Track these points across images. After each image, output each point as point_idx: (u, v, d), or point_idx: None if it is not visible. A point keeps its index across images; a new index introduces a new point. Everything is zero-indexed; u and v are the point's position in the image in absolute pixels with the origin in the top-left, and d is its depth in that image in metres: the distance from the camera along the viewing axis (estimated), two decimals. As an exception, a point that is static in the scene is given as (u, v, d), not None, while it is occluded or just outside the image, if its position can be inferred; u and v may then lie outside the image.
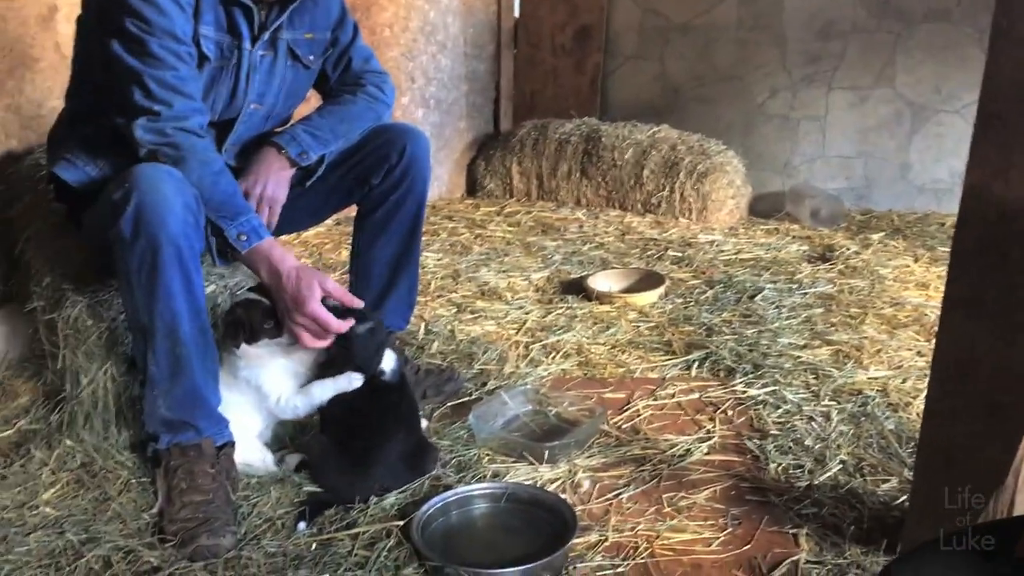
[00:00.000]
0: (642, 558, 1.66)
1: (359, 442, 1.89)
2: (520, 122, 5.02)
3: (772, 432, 2.13)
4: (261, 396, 1.95)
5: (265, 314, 1.85)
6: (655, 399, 2.33)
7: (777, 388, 2.36)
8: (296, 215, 2.16)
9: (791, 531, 1.73)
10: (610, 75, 5.14)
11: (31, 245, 2.38)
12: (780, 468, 1.97)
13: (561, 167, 4.63)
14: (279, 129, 2.15)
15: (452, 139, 4.89)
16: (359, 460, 1.87)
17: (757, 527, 1.76)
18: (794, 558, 1.64)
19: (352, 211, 2.31)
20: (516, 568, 1.56)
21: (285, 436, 2.09)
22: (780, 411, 2.24)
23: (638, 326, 2.87)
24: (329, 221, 2.71)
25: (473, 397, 2.33)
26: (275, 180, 2.01)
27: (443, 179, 4.85)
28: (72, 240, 2.22)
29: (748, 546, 1.70)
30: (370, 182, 2.17)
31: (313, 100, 2.24)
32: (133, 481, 1.91)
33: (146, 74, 1.77)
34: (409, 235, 2.23)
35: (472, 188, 4.99)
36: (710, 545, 1.70)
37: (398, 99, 3.36)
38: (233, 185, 1.86)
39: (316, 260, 3.53)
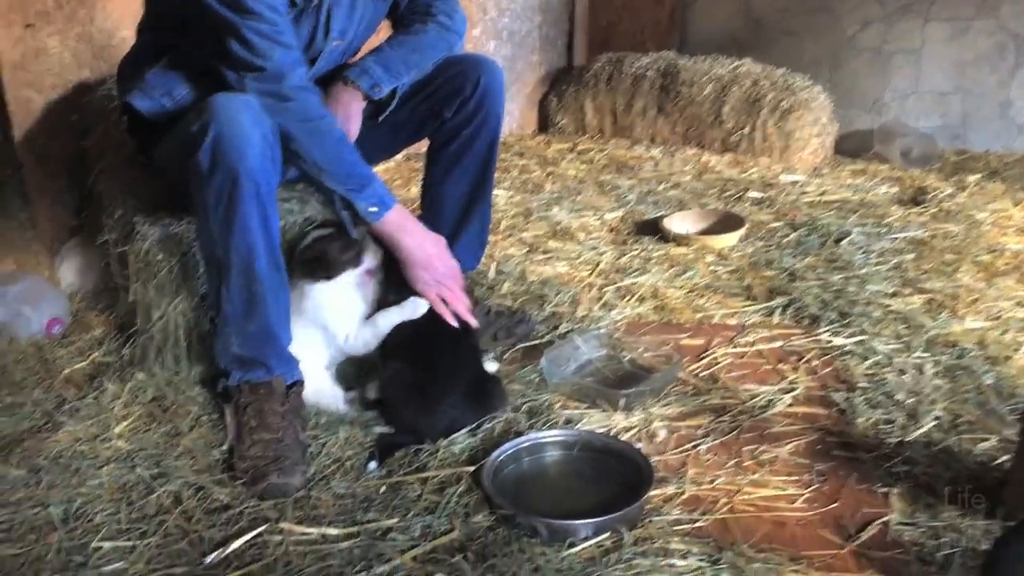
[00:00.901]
0: (722, 513, 1.58)
1: (422, 372, 1.86)
2: (594, 56, 4.85)
3: (860, 384, 2.02)
4: (329, 336, 1.96)
5: (344, 247, 1.92)
6: (734, 347, 2.23)
7: (865, 338, 2.23)
8: (368, 150, 2.09)
9: (881, 490, 1.64)
10: (689, 6, 4.96)
11: (103, 177, 2.38)
12: (869, 423, 1.86)
13: (636, 103, 4.47)
14: (351, 62, 2.08)
15: (524, 73, 4.76)
16: (425, 390, 1.83)
17: (844, 485, 1.67)
18: (884, 519, 1.55)
19: (421, 147, 2.24)
20: (591, 520, 1.51)
21: (351, 376, 2.06)
22: (869, 362, 2.12)
23: (716, 270, 2.76)
24: (399, 156, 2.65)
25: (544, 340, 2.27)
26: (346, 115, 1.97)
27: (514, 114, 4.74)
28: (144, 172, 2.20)
29: (835, 504, 1.61)
30: (443, 115, 2.10)
31: (383, 31, 2.15)
32: (203, 417, 1.91)
33: (244, 26, 1.70)
34: (482, 171, 2.17)
35: (544, 124, 4.87)
36: (794, 502, 1.62)
37: (469, 31, 3.25)
38: (354, 153, 1.86)
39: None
